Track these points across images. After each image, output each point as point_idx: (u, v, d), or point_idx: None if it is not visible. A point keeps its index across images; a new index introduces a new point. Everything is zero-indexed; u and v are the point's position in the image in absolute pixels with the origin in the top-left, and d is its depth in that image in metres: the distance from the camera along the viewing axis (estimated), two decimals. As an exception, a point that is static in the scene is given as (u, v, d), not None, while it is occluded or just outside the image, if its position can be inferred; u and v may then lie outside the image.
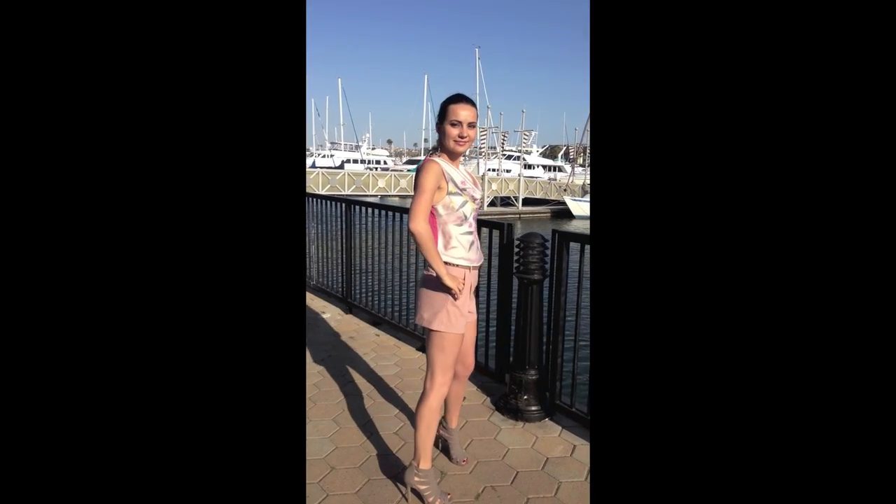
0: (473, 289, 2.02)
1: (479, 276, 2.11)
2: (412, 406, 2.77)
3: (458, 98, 1.90)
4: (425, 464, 1.98)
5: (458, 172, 1.92)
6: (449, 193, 1.88)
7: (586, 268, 2.57)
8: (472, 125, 1.88)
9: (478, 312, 2.70)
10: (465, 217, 1.92)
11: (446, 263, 1.88)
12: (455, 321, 1.92)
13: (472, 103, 1.91)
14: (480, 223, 3.05)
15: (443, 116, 1.90)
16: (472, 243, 1.96)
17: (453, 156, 1.93)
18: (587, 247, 2.50)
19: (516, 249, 2.65)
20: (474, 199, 1.95)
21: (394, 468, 2.22)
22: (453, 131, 1.87)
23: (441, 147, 1.94)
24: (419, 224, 1.79)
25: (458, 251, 1.92)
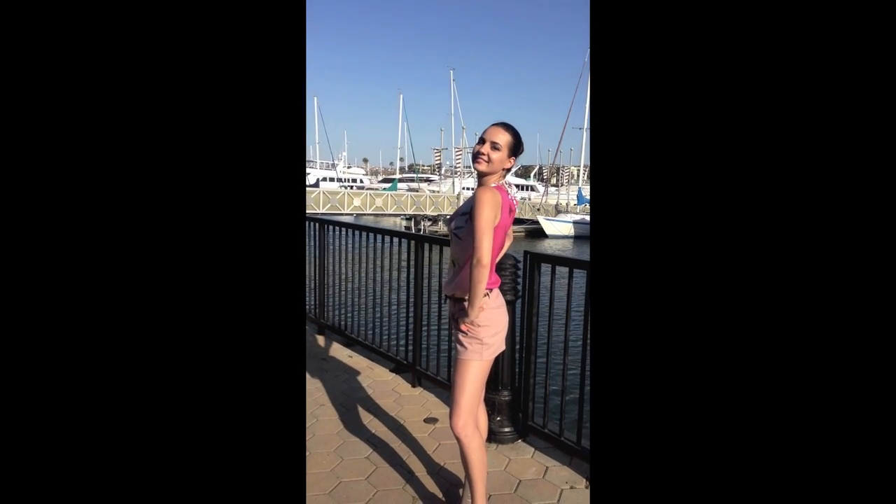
0: (455, 318, 1.95)
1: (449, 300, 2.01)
2: (385, 429, 2.74)
3: (494, 123, 1.86)
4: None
5: (468, 198, 1.92)
6: None
7: (557, 289, 2.59)
8: (494, 146, 1.80)
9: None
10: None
11: None
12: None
13: (503, 127, 1.84)
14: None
15: None
16: (448, 270, 1.99)
17: (479, 175, 1.87)
18: (558, 267, 2.52)
19: (489, 270, 2.66)
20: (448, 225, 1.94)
21: (365, 495, 2.18)
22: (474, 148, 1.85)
23: None
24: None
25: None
